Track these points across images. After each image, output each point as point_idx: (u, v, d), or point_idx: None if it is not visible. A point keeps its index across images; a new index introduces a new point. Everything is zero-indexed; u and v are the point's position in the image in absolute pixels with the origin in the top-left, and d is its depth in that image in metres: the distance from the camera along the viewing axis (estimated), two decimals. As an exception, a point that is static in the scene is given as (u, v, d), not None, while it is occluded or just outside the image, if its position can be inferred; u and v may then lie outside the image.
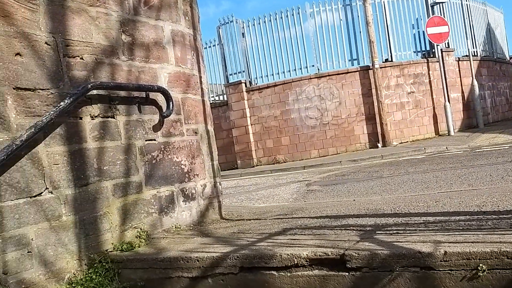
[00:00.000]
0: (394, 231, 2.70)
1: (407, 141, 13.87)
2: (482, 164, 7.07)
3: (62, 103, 2.86)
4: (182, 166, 3.95)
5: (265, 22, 14.74)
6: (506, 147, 9.29)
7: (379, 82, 13.52)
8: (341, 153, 13.79)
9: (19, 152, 2.64)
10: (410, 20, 14.64)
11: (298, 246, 2.52)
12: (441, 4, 14.53)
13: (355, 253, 2.24)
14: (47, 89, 2.91)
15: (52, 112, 2.79)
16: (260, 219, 3.96)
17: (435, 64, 14.23)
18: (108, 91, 3.32)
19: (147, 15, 3.77)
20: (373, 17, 13.95)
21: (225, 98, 15.60)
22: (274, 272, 2.44)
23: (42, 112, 2.84)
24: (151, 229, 3.52)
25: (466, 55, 15.14)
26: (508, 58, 19.57)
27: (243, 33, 15.01)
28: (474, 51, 15.61)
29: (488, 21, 17.34)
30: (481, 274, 2.00)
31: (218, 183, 4.47)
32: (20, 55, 2.80)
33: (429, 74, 14.37)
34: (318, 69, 14.19)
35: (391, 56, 14.23)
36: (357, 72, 13.94)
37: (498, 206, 3.17)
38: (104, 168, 3.23)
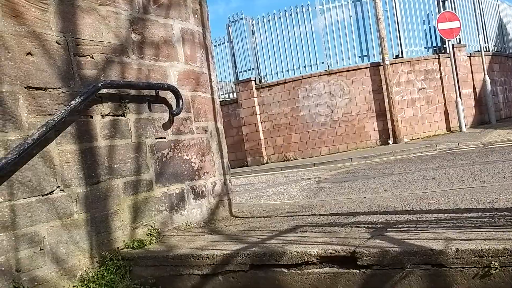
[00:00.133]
0: (405, 229, 2.68)
1: (418, 138, 13.78)
2: (494, 161, 6.99)
3: (73, 102, 2.88)
4: (192, 164, 3.96)
5: (274, 19, 14.70)
6: (519, 143, 9.18)
7: (389, 78, 13.43)
8: (352, 150, 13.74)
9: (31, 150, 2.66)
10: (421, 16, 14.51)
11: (309, 244, 2.52)
12: (452, -1, 14.41)
13: (366, 250, 2.23)
14: (58, 88, 2.94)
15: (63, 111, 2.81)
16: (270, 217, 3.96)
17: (446, 60, 14.10)
18: (119, 90, 3.34)
19: (157, 14, 3.78)
20: (383, 13, 13.85)
21: (235, 96, 15.60)
22: (285, 270, 2.44)
23: (53, 111, 2.86)
24: (161, 227, 3.54)
25: (478, 51, 14.97)
26: (520, 53, 19.33)
27: (252, 31, 14.99)
28: (485, 47, 15.42)
29: (500, 16, 17.13)
30: (494, 271, 1.98)
31: (228, 181, 4.48)
32: (31, 55, 2.82)
33: (440, 70, 14.24)
34: (328, 66, 14.12)
35: (401, 52, 14.12)
36: (368, 69, 13.85)
37: (511, 202, 3.14)
38: (115, 166, 3.25)
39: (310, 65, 14.38)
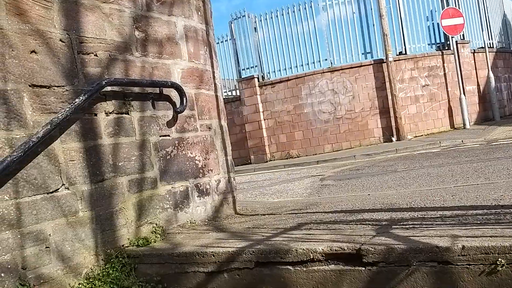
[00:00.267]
0: (411, 226, 2.67)
1: (422, 135, 13.74)
2: (498, 158, 6.97)
3: (77, 100, 2.88)
4: (196, 162, 3.96)
5: (277, 16, 14.68)
6: (523, 140, 9.15)
7: (393, 75, 13.39)
8: (355, 147, 13.72)
9: (35, 148, 2.67)
10: (424, 12, 14.46)
11: (314, 241, 2.51)
12: (456, -5, 14.35)
13: (372, 247, 2.23)
14: (62, 86, 2.94)
15: (67, 109, 2.81)
16: (274, 214, 3.96)
17: (450, 57, 14.06)
18: (122, 88, 3.34)
19: (160, 11, 3.77)
20: (387, 9, 13.80)
21: (238, 93, 15.59)
22: (290, 267, 2.44)
23: (57, 109, 2.86)
24: (166, 225, 3.54)
25: (482, 47, 14.92)
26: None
27: (255, 28, 14.97)
28: (489, 43, 15.36)
29: (504, 12, 17.05)
30: (500, 268, 1.98)
31: (232, 178, 4.47)
32: (35, 53, 2.82)
33: (444, 66, 14.19)
34: (331, 63, 14.09)
35: (405, 48, 14.08)
36: (371, 66, 13.82)
37: (517, 199, 3.12)
38: (119, 164, 3.25)
39: (313, 62, 14.36)
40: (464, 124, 13.61)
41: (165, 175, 3.62)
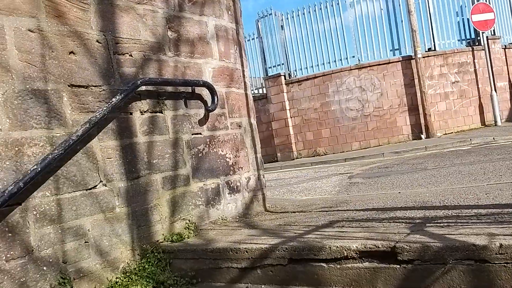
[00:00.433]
0: (445, 224, 2.65)
1: (452, 132, 13.52)
2: (533, 155, 6.81)
3: (114, 99, 2.95)
4: (227, 159, 4.01)
5: (304, 14, 14.64)
6: (559, 137, 8.90)
7: (422, 72, 13.20)
8: (383, 145, 13.59)
9: (75, 146, 2.75)
10: (454, 8, 14.21)
11: (347, 239, 2.52)
12: (486, -10, 14.04)
13: (407, 245, 2.22)
14: (99, 85, 3.02)
15: (105, 108, 2.89)
16: (304, 212, 3.98)
17: (481, 53, 13.77)
18: (156, 87, 3.41)
19: (191, 11, 3.83)
20: (415, 5, 13.61)
21: (264, 91, 15.62)
22: (324, 264, 2.46)
23: (95, 108, 2.95)
24: (198, 221, 3.60)
25: (513, 42, 14.58)
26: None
27: (282, 26, 14.97)
28: (522, 38, 15.00)
29: (537, 6, 16.59)
30: (539, 267, 1.95)
31: (261, 176, 4.51)
32: (74, 53, 2.91)
33: (474, 62, 13.92)
34: (359, 60, 13.98)
35: (434, 45, 13.86)
36: (399, 62, 13.65)
37: (554, 198, 3.06)
38: (154, 162, 3.32)
39: (341, 59, 14.28)
40: (495, 121, 13.32)
41: (197, 173, 3.68)
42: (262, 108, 15.40)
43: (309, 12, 14.56)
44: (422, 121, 13.38)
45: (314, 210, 4.00)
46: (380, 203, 3.95)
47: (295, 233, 2.96)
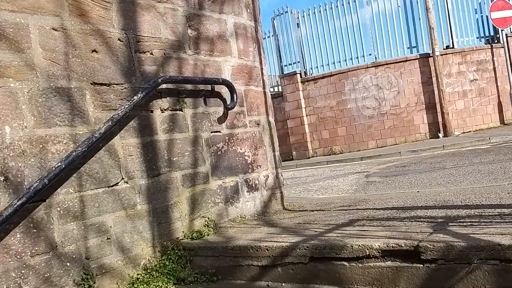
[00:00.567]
0: (468, 223, 2.62)
1: (470, 131, 13.34)
2: (555, 154, 6.69)
3: (135, 97, 2.98)
4: (246, 157, 4.01)
5: (320, 11, 14.57)
6: None
7: (439, 70, 13.05)
8: (400, 143, 13.47)
9: (98, 144, 2.78)
10: (472, 5, 14.02)
11: (369, 237, 2.51)
12: (506, -14, 13.81)
13: (430, 244, 2.20)
14: (121, 83, 3.04)
15: (126, 106, 2.91)
16: (323, 210, 3.96)
17: (500, 50, 13.56)
18: (176, 85, 3.43)
19: (211, 9, 3.84)
20: (433, 2, 13.45)
21: (280, 90, 15.59)
22: (345, 263, 2.45)
23: (117, 106, 2.97)
24: (217, 219, 3.61)
25: (534, 40, 14.32)
26: None
27: (298, 24, 14.93)
28: (542, 35, 14.72)
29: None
30: None
31: (279, 174, 4.51)
32: (96, 52, 2.93)
33: (493, 60, 13.72)
34: (376, 58, 13.87)
35: (452, 42, 13.69)
36: (417, 60, 13.50)
37: None
38: (174, 159, 3.34)
39: (357, 57, 14.18)
40: (515, 120, 13.13)
41: (216, 170, 3.69)
42: (278, 106, 15.38)
43: (325, 9, 14.49)
44: (440, 119, 13.23)
45: (332, 209, 3.98)
46: (400, 202, 3.92)
47: (316, 231, 2.95)
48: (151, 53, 3.28)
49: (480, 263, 2.09)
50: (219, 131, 3.79)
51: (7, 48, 2.48)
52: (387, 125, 13.69)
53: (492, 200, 3.41)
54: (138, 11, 3.24)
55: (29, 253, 2.44)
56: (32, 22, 2.61)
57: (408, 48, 13.82)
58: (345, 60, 14.33)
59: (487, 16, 13.79)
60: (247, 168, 4.02)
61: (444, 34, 13.72)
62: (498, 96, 13.67)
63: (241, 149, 3.98)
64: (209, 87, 3.67)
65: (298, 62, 14.98)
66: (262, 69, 4.43)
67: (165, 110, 3.34)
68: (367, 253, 2.38)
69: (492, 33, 14.02)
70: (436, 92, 13.22)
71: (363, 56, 14.09)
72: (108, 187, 2.87)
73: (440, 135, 13.15)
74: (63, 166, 2.52)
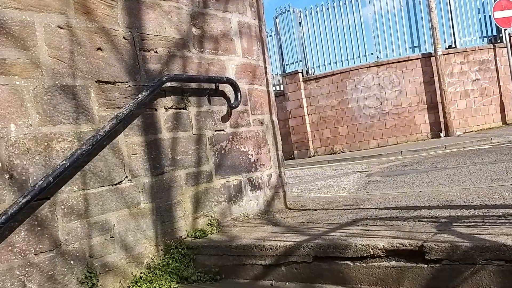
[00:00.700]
0: (472, 223, 2.62)
1: (472, 131, 13.34)
2: (557, 155, 6.68)
3: (140, 96, 2.98)
4: (249, 156, 4.01)
5: (322, 10, 14.56)
6: None
7: (442, 69, 13.04)
8: (402, 143, 13.46)
9: (102, 142, 2.78)
10: (475, 4, 14.01)
11: (373, 237, 2.51)
12: (509, -14, 13.79)
13: (435, 244, 2.20)
14: (126, 82, 3.04)
15: (131, 104, 2.91)
16: (326, 209, 3.96)
17: (503, 50, 13.56)
18: (181, 83, 3.42)
19: (216, 8, 3.83)
20: (436, 1, 13.43)
21: (282, 88, 15.59)
22: (349, 262, 2.45)
23: (121, 104, 2.97)
24: (221, 217, 3.61)
25: (536, 40, 14.30)
26: None
27: (300, 22, 14.91)
28: (545, 35, 14.71)
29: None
30: None
31: (282, 173, 4.51)
32: (101, 50, 2.93)
33: (495, 60, 13.71)
34: (377, 57, 13.86)
35: (454, 42, 13.68)
36: (419, 60, 13.50)
37: None
38: (178, 158, 3.34)
39: (359, 57, 14.17)
40: (517, 120, 13.12)
41: (220, 169, 3.69)
42: (280, 105, 15.35)
43: (328, 8, 14.48)
44: (442, 119, 13.22)
45: (335, 208, 3.98)
46: (403, 202, 3.92)
47: (319, 230, 2.95)
48: (156, 51, 3.28)
49: (485, 264, 2.09)
50: (223, 130, 3.79)
51: (13, 45, 2.48)
52: (388, 125, 13.68)
53: (496, 200, 3.41)
54: (143, 9, 3.24)
55: (33, 251, 2.44)
56: (38, 20, 2.60)
57: (410, 47, 13.82)
58: (347, 59, 14.32)
59: (490, 16, 13.78)
60: (251, 167, 4.02)
61: (447, 33, 13.73)
62: (500, 96, 13.66)
63: (244, 148, 3.98)
64: (213, 85, 3.67)
65: (300, 61, 14.97)
66: (265, 68, 4.42)
67: (169, 108, 3.34)
68: (371, 253, 2.38)
69: (495, 33, 14.01)
70: (438, 92, 13.21)
71: (365, 55, 14.09)
72: (112, 185, 2.87)
73: (442, 135, 13.14)
74: (68, 164, 2.52)
